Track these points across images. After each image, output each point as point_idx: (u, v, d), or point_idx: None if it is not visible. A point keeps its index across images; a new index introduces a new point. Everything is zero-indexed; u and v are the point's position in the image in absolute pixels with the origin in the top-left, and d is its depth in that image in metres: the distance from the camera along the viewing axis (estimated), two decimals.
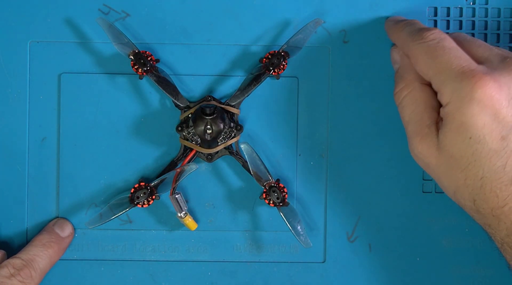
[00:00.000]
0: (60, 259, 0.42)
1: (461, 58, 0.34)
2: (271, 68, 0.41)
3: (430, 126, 0.36)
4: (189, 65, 0.42)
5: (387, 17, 0.42)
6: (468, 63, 0.34)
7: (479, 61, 0.35)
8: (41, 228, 0.42)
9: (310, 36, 0.41)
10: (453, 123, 0.34)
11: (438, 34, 0.36)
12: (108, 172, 0.42)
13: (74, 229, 0.42)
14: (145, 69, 0.40)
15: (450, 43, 0.35)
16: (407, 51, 0.37)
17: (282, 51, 0.41)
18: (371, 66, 0.42)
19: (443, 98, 0.34)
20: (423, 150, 0.36)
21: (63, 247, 0.41)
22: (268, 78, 0.41)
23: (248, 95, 0.41)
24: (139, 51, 0.40)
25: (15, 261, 0.38)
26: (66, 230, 0.41)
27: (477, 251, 0.43)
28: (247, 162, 0.41)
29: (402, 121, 0.38)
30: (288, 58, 0.41)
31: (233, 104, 0.42)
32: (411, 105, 0.37)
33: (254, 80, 0.41)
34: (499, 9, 0.43)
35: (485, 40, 0.43)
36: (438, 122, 0.36)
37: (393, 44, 0.41)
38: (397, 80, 0.39)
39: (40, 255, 0.39)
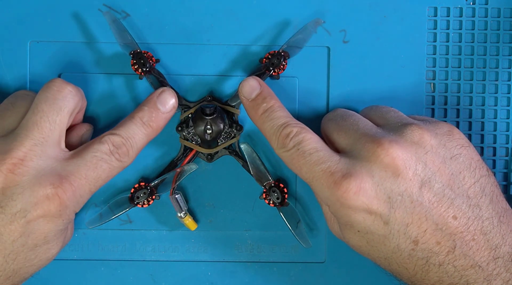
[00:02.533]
0: (60, 259, 0.42)
1: (321, 160, 0.35)
2: (271, 68, 0.41)
3: (333, 218, 0.38)
4: (189, 65, 0.42)
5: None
6: (328, 164, 0.35)
7: (343, 150, 0.36)
8: None
9: (310, 36, 0.41)
10: (340, 221, 0.36)
11: (295, 137, 0.36)
12: None
13: (178, 102, 0.39)
14: (145, 69, 0.40)
15: (309, 143, 0.36)
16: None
17: (282, 51, 0.41)
18: (371, 66, 0.42)
19: (321, 201, 0.37)
20: (335, 233, 0.39)
21: (162, 124, 0.38)
22: (268, 78, 0.41)
23: None
24: (140, 51, 0.40)
25: (114, 138, 0.36)
26: (168, 105, 0.38)
27: None
28: (247, 162, 0.41)
29: None
30: (288, 58, 0.41)
31: (233, 104, 0.42)
32: (319, 198, 0.39)
33: None
34: (499, 9, 0.43)
35: (485, 40, 0.43)
36: None
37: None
38: None
39: (139, 134, 0.37)
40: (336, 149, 0.37)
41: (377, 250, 0.35)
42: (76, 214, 0.42)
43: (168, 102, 0.38)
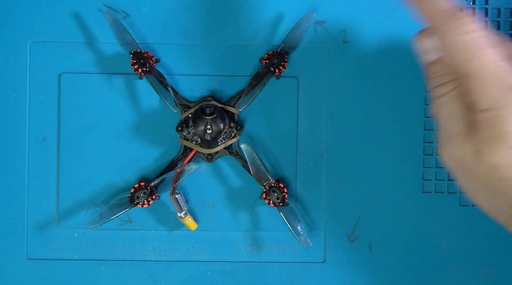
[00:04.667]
0: (60, 259, 0.42)
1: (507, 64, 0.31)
2: (272, 69, 0.41)
3: (465, 132, 0.32)
4: (189, 65, 0.42)
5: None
6: None
7: None
8: (41, 228, 0.42)
9: (306, 31, 0.41)
10: (493, 131, 0.31)
11: (477, 25, 0.31)
12: (108, 172, 0.42)
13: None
14: (145, 69, 0.40)
15: (492, 42, 0.31)
16: (441, 38, 0.32)
17: (281, 50, 0.41)
18: (371, 66, 0.42)
19: (481, 103, 0.31)
20: (455, 156, 0.33)
21: None
22: (270, 78, 0.41)
23: (254, 99, 0.41)
24: (140, 51, 0.40)
25: None
26: None
27: (477, 251, 0.43)
28: (247, 162, 0.41)
29: (436, 120, 0.35)
30: (287, 56, 0.41)
31: (233, 104, 0.42)
32: (448, 108, 0.33)
33: (257, 83, 0.41)
34: (499, 9, 0.43)
35: None
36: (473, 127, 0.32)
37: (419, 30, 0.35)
38: (432, 75, 0.35)
39: None
40: None
41: None
42: (76, 214, 0.42)
43: None
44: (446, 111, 0.33)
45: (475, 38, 0.31)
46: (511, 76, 0.30)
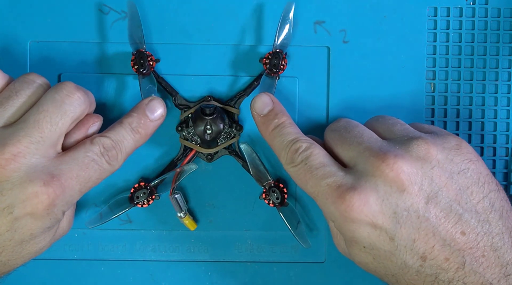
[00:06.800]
0: (60, 259, 0.42)
1: (327, 175, 0.35)
2: (273, 69, 0.41)
3: (339, 235, 0.37)
4: (189, 65, 0.42)
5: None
6: (333, 179, 0.34)
7: (347, 164, 0.36)
8: None
9: (292, 22, 0.40)
10: (345, 237, 0.35)
11: (304, 152, 0.36)
12: None
13: (167, 110, 0.40)
14: (142, 70, 0.40)
15: (317, 158, 0.36)
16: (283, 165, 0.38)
17: (277, 50, 0.41)
18: (371, 66, 0.42)
19: (326, 217, 0.36)
20: (341, 251, 0.38)
21: (150, 132, 0.39)
22: (267, 78, 0.41)
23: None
24: (143, 52, 0.40)
25: (105, 140, 0.37)
26: (157, 113, 0.39)
27: None
28: (247, 162, 0.41)
29: None
30: (284, 52, 0.41)
31: (233, 104, 0.42)
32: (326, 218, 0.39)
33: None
34: (499, 9, 0.43)
35: (485, 40, 0.43)
36: None
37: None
38: None
39: (127, 139, 0.38)
40: (341, 162, 0.36)
41: (384, 267, 0.34)
42: (76, 214, 0.42)
43: (157, 110, 0.39)
44: (325, 215, 0.38)
45: (302, 167, 0.36)
46: (338, 189, 0.34)
